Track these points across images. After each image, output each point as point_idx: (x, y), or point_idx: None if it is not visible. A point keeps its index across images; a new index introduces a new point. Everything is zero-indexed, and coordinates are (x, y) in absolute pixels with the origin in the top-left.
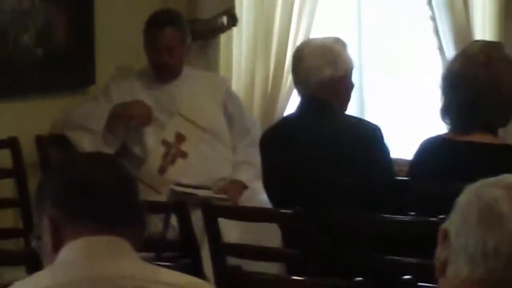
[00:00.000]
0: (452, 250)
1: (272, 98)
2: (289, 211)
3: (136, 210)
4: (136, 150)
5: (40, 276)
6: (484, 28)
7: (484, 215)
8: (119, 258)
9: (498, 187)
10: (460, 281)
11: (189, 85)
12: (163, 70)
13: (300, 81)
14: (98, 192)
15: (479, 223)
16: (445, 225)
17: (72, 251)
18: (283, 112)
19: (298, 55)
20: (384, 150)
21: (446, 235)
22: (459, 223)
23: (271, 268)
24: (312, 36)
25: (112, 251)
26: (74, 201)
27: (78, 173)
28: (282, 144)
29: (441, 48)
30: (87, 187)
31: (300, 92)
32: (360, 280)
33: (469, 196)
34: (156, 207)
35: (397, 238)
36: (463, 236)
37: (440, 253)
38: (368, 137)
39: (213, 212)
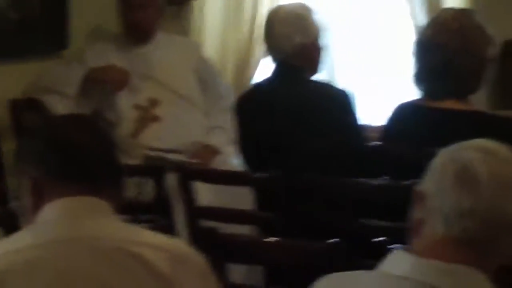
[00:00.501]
0: (428, 211)
1: (244, 63)
2: (265, 174)
3: (116, 172)
4: (109, 114)
5: (20, 236)
6: None
7: (460, 176)
8: (99, 218)
9: (473, 150)
10: (435, 241)
11: (163, 49)
12: (136, 30)
13: (272, 49)
14: (79, 153)
15: (454, 184)
16: (420, 187)
17: (52, 211)
18: (256, 77)
19: (269, 23)
20: (354, 115)
21: (421, 196)
22: (435, 185)
23: (242, 231)
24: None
25: (92, 212)
26: (55, 162)
27: (59, 134)
28: (257, 110)
29: (413, 14)
30: (68, 148)
31: (273, 59)
32: (336, 242)
33: (444, 158)
34: (131, 171)
35: (371, 201)
36: (439, 197)
37: (415, 214)
38: (340, 102)
39: (189, 175)
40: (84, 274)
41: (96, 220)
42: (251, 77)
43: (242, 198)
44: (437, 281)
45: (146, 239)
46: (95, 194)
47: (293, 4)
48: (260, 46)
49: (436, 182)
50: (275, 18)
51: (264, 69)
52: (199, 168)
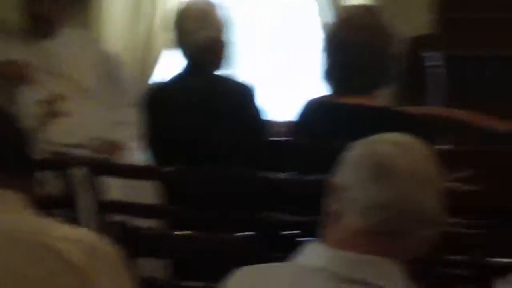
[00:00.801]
0: (344, 203)
1: (146, 57)
2: (174, 168)
3: (30, 164)
4: (13, 110)
5: None
6: None
7: (377, 170)
8: (14, 211)
9: (389, 143)
10: (352, 232)
11: (67, 43)
12: (40, 23)
13: (180, 45)
14: None
15: (372, 177)
16: (336, 180)
17: None
18: (157, 71)
19: (176, 20)
20: (258, 108)
21: (337, 189)
22: (352, 177)
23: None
24: None
25: (7, 205)
26: None
27: None
28: (166, 105)
29: (320, 11)
30: None
31: (182, 54)
32: (247, 235)
33: (361, 151)
34: (37, 165)
35: (280, 195)
36: (356, 189)
37: (330, 205)
38: (243, 95)
39: (96, 169)
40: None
41: (11, 213)
42: (152, 71)
43: (145, 193)
44: (352, 272)
45: (62, 232)
46: (9, 186)
47: (196, 1)
48: (161, 40)
49: (353, 174)
50: (182, 15)
51: (167, 62)
52: (106, 163)
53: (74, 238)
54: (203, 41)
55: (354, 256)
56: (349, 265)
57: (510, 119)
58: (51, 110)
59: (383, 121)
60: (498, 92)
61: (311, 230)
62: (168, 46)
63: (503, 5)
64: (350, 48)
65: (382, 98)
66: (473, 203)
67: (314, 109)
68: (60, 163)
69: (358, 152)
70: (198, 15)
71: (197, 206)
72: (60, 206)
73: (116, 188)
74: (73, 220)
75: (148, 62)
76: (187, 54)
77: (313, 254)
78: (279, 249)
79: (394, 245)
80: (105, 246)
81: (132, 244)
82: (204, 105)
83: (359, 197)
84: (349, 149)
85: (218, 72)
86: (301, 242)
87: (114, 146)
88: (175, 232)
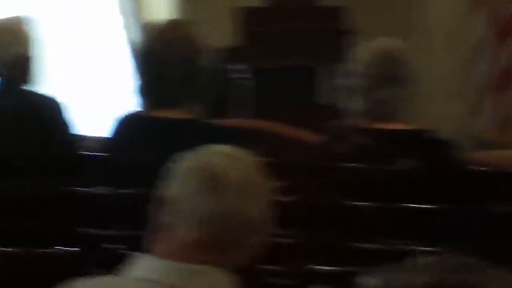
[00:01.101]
0: (174, 215)
1: None
2: None
3: None
4: None
5: None
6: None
7: (206, 181)
8: None
9: (218, 155)
10: (183, 243)
11: None
12: None
13: None
14: None
15: (201, 188)
16: (164, 193)
17: None
18: None
19: None
20: (68, 123)
21: (165, 201)
22: (181, 190)
23: None
24: None
25: None
26: None
27: None
28: None
29: (125, 27)
30: None
31: None
32: (67, 250)
33: (189, 163)
34: None
35: (98, 210)
36: (186, 202)
37: (159, 218)
38: (53, 110)
39: None
40: None
41: None
42: None
43: None
44: (184, 282)
45: None
46: None
47: (6, 18)
48: None
49: (183, 187)
50: None
51: None
52: None
53: None
54: (13, 57)
55: (186, 266)
56: (181, 276)
57: (318, 129)
58: None
59: (191, 133)
60: (306, 103)
61: (132, 244)
62: None
63: (304, 17)
64: (160, 62)
65: (192, 110)
66: (289, 214)
67: (127, 123)
68: None
69: (188, 164)
70: (6, 31)
71: (13, 221)
72: None
73: None
74: None
75: None
76: None
77: (144, 266)
78: (100, 263)
79: (224, 255)
80: None
81: None
82: (14, 121)
83: (189, 209)
84: (176, 161)
85: (27, 88)
86: (124, 256)
87: None
88: (13, 250)
